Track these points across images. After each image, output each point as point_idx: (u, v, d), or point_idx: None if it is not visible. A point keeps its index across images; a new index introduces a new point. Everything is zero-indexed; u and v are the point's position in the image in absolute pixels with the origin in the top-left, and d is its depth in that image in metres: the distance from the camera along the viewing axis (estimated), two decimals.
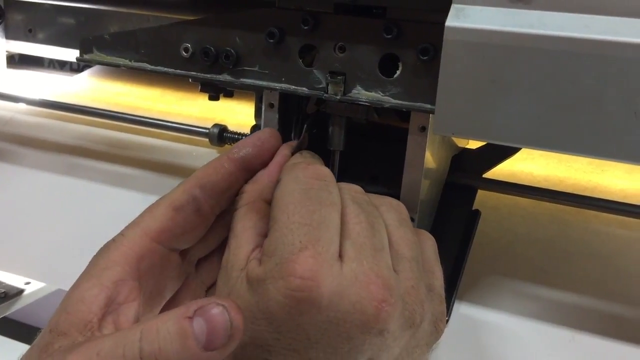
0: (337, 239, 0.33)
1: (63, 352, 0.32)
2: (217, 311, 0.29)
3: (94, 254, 0.38)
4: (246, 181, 0.40)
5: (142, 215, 0.39)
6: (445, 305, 0.39)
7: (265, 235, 0.35)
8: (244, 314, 0.31)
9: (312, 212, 0.33)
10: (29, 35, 0.92)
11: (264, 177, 0.40)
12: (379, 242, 0.34)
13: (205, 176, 0.39)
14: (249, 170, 0.41)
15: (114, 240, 0.38)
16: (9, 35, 0.93)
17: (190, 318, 0.29)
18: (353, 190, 0.37)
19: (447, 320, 0.49)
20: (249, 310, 0.32)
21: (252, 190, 0.39)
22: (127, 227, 0.38)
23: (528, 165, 0.64)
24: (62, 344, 0.33)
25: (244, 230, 0.36)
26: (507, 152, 0.58)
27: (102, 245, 0.38)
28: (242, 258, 0.34)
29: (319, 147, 0.50)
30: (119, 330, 0.33)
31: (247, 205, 0.38)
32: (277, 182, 0.36)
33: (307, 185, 0.35)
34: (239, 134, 0.71)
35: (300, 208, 0.33)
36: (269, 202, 0.37)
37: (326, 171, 0.37)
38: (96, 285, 0.35)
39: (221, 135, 0.71)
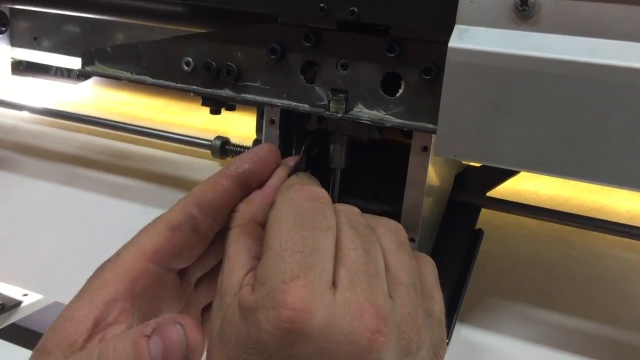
0: (331, 266, 0.32)
1: (45, 353, 0.32)
2: (174, 330, 0.29)
3: (93, 266, 0.37)
4: (244, 198, 0.40)
5: (138, 235, 0.38)
6: (445, 330, 0.38)
7: (258, 257, 0.34)
8: (237, 342, 0.31)
9: (305, 238, 0.32)
10: (34, 43, 0.92)
11: (258, 198, 0.39)
12: (374, 268, 0.33)
13: (202, 194, 0.39)
14: (247, 187, 0.40)
15: (109, 260, 0.37)
16: (14, 43, 0.93)
17: (148, 336, 0.29)
18: (349, 212, 0.36)
19: (448, 343, 0.48)
20: (241, 339, 0.31)
21: (246, 211, 0.38)
22: (123, 247, 0.38)
23: (533, 183, 0.64)
24: None
25: (236, 253, 0.35)
26: (512, 171, 0.57)
27: (100, 258, 0.37)
28: (235, 282, 0.34)
29: (320, 165, 0.49)
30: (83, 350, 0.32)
31: (240, 227, 0.37)
32: (272, 204, 0.36)
33: (301, 208, 0.34)
34: (241, 146, 0.71)
35: (294, 234, 0.32)
36: (262, 224, 0.36)
37: (322, 192, 0.36)
38: (87, 305, 0.34)
39: (223, 148, 0.71)
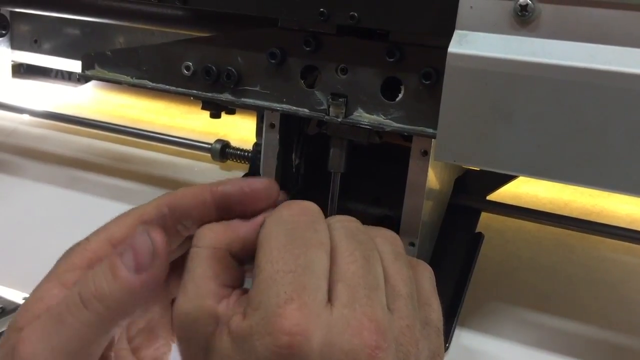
0: (325, 283, 0.31)
1: (17, 330, 0.32)
2: (141, 238, 0.31)
3: None
4: (219, 219, 0.38)
5: (109, 222, 0.38)
6: (442, 338, 0.37)
7: (229, 285, 0.33)
8: None
9: (296, 257, 0.31)
10: (34, 45, 0.92)
11: (240, 229, 0.36)
12: (373, 279, 0.32)
13: (181, 198, 0.38)
14: (227, 211, 0.38)
15: (78, 244, 0.37)
16: (14, 46, 0.94)
17: (122, 254, 0.31)
18: (346, 220, 0.36)
19: (447, 347, 0.48)
20: None
21: (223, 236, 0.36)
22: (93, 233, 0.38)
23: (533, 187, 0.64)
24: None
25: (204, 278, 0.34)
26: (512, 174, 0.57)
27: None
28: (208, 311, 0.33)
29: (320, 169, 0.49)
30: None
31: (210, 250, 0.35)
32: (261, 224, 0.35)
33: (291, 224, 0.33)
34: (242, 150, 0.71)
35: (284, 253, 0.31)
36: (234, 256, 0.35)
37: (312, 206, 0.35)
38: (57, 285, 0.35)
39: (223, 151, 0.71)
